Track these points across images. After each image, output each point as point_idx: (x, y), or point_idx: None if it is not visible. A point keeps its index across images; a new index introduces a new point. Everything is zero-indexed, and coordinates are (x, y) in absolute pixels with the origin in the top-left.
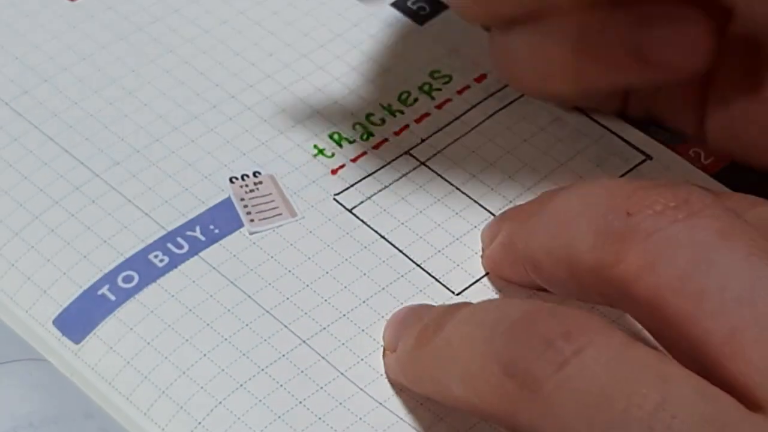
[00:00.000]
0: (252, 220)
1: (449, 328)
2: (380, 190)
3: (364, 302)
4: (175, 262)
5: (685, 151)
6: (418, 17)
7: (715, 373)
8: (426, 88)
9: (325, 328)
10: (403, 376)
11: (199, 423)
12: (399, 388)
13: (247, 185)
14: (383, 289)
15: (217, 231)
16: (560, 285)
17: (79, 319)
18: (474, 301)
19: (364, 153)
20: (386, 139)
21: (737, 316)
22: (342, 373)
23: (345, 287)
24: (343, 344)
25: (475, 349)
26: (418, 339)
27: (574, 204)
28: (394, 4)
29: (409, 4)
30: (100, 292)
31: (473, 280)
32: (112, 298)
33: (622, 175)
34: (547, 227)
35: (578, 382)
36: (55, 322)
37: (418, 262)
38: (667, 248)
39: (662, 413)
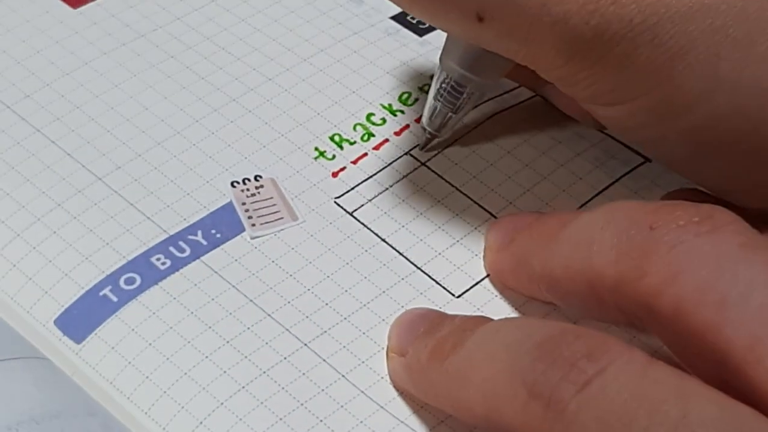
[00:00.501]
0: (253, 225)
1: (470, 345)
2: (381, 193)
3: (364, 305)
4: (177, 265)
5: None
6: (417, 30)
7: (738, 381)
8: (427, 88)
9: (326, 332)
10: (414, 386)
11: (201, 423)
12: (400, 391)
13: (248, 189)
14: (384, 292)
15: (218, 235)
16: (577, 302)
17: (81, 319)
18: (475, 303)
19: (365, 154)
20: (387, 140)
21: (759, 325)
22: (343, 376)
23: (346, 291)
24: (344, 347)
25: (498, 370)
26: (434, 352)
27: (596, 220)
28: (393, 18)
29: (408, 18)
30: (102, 293)
31: (473, 282)
32: (114, 299)
33: (622, 177)
34: (568, 245)
35: (600, 401)
36: (56, 322)
37: (419, 265)
38: (690, 260)
39: (683, 429)
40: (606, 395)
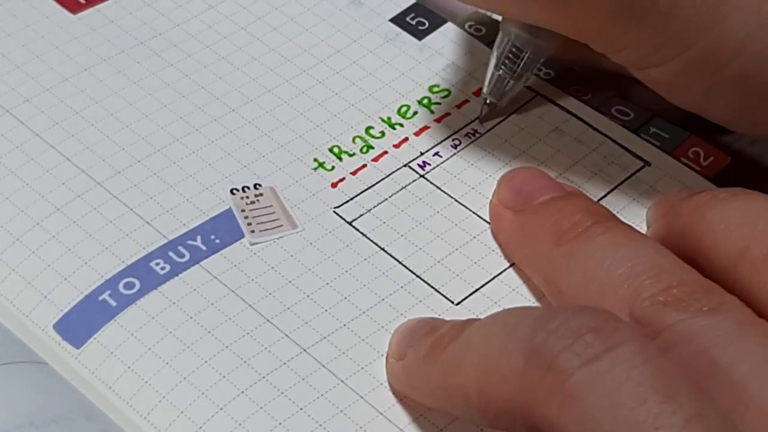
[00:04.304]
0: (253, 231)
1: (467, 333)
2: (380, 203)
3: (364, 313)
4: (176, 270)
5: (684, 151)
6: (416, 32)
7: None
8: (425, 102)
9: (325, 338)
10: (411, 386)
11: (200, 428)
12: (400, 398)
13: (247, 197)
14: (383, 300)
15: (218, 241)
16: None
17: (80, 324)
18: (474, 310)
19: (364, 166)
20: (386, 152)
21: None
22: (342, 381)
23: (345, 298)
24: (343, 353)
25: (495, 344)
26: (432, 348)
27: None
28: (392, 20)
29: (407, 19)
30: (101, 298)
31: (473, 289)
32: (113, 303)
33: (621, 183)
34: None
35: (610, 379)
36: (55, 327)
37: (418, 273)
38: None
39: (696, 424)
40: (616, 373)
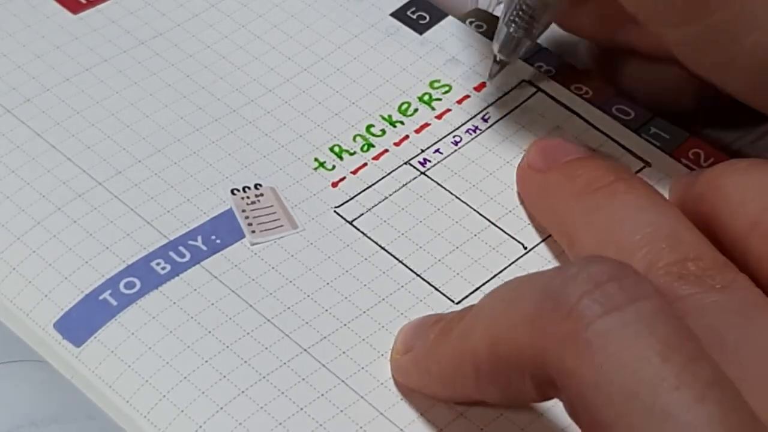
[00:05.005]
0: (253, 232)
1: (478, 303)
2: (380, 202)
3: (364, 312)
4: (176, 270)
5: (684, 152)
6: (417, 26)
7: None
8: (426, 98)
9: (325, 337)
10: (418, 373)
11: (200, 427)
12: (400, 398)
13: (248, 197)
14: (383, 299)
15: (218, 241)
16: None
17: (80, 323)
18: None
19: (365, 164)
20: (386, 150)
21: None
22: (343, 381)
23: (345, 298)
24: (343, 353)
25: (505, 300)
26: (443, 330)
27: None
28: (393, 14)
29: (408, 13)
30: (101, 297)
31: (473, 288)
32: (114, 303)
33: None
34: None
35: (633, 332)
36: (55, 326)
37: (418, 272)
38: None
39: (716, 389)
40: (640, 329)
